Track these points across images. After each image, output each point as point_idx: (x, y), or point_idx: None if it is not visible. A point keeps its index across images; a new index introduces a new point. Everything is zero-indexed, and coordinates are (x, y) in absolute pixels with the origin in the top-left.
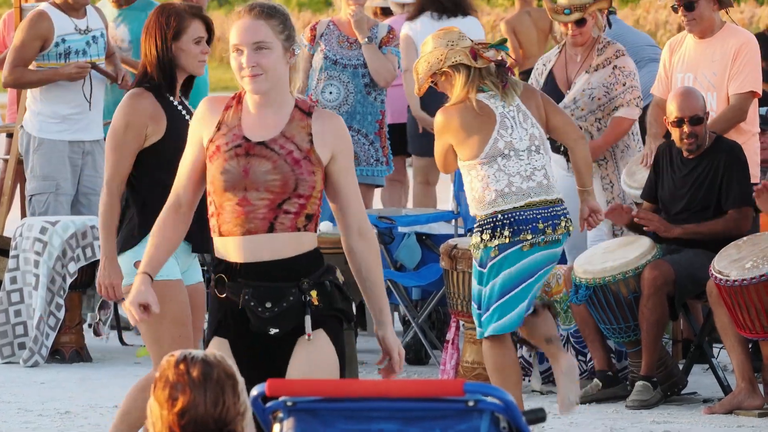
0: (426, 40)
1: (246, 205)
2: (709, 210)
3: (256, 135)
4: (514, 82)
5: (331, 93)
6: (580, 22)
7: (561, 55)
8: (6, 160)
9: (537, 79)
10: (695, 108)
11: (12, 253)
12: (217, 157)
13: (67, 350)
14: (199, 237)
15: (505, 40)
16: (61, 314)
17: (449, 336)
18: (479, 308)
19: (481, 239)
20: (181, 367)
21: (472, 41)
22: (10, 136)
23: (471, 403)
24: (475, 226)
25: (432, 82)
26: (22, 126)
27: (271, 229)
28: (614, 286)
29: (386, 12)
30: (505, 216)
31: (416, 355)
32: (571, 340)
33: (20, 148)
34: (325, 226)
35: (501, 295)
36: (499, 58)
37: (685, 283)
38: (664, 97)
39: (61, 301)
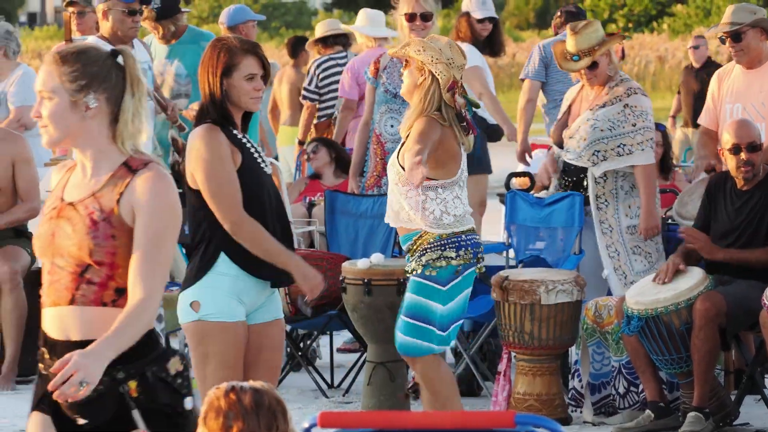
0: (442, 38)
1: (53, 273)
2: (759, 240)
3: (71, 195)
4: (470, 139)
5: (392, 126)
6: (591, 66)
7: (580, 92)
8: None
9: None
10: (752, 135)
11: None
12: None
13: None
14: (275, 271)
15: (477, 105)
16: None
17: (501, 367)
18: (435, 326)
19: (443, 256)
20: (232, 395)
21: (458, 80)
22: None
23: None
24: (430, 243)
25: (405, 60)
26: (73, 158)
27: (72, 300)
28: (666, 317)
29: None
30: (467, 237)
31: (468, 387)
32: (623, 371)
33: None
34: (376, 257)
35: (462, 313)
36: (463, 112)
37: (737, 314)
38: (711, 128)
39: None
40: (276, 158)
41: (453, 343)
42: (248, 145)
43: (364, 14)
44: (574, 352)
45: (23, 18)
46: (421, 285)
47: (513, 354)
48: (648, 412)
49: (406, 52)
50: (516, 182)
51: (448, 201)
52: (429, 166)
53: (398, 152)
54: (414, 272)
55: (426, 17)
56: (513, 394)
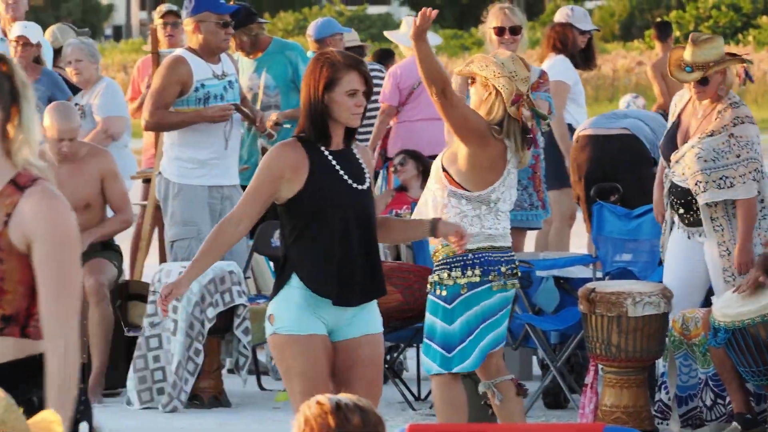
0: (506, 53)
1: None
2: None
3: None
4: (527, 155)
5: None
6: (702, 81)
7: (690, 102)
8: (144, 206)
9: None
10: None
11: (150, 298)
12: None
13: (206, 395)
14: (337, 290)
15: (546, 117)
16: (200, 359)
17: (588, 380)
18: (436, 344)
19: (450, 276)
20: (340, 414)
21: (523, 92)
22: (146, 181)
23: None
24: (440, 261)
25: (471, 78)
26: (159, 172)
27: None
28: (753, 329)
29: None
30: (475, 256)
31: (555, 399)
32: (710, 383)
33: (158, 194)
34: None
35: (466, 335)
36: (530, 124)
37: None
38: None
39: (200, 347)
40: None
41: (540, 354)
42: (334, 162)
43: (407, 22)
44: (660, 364)
45: (108, 31)
46: (432, 303)
47: (600, 366)
48: (735, 424)
49: (471, 69)
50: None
51: (466, 215)
52: (458, 170)
53: (443, 154)
54: (428, 291)
55: (515, 30)
56: (600, 406)
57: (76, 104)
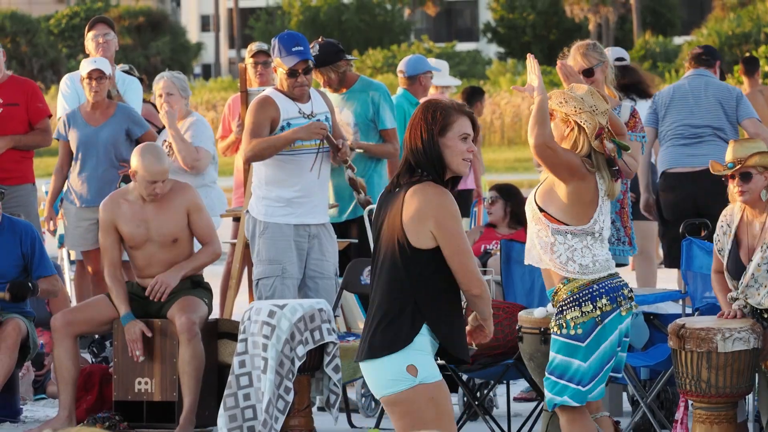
0: (583, 87)
1: None
2: None
3: None
4: (616, 186)
5: None
6: (745, 177)
7: (743, 217)
8: (233, 244)
9: (720, 239)
10: None
11: (240, 336)
12: None
13: None
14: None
15: (627, 148)
16: (290, 397)
17: (678, 415)
18: (567, 380)
19: (582, 312)
20: None
21: (604, 125)
22: (236, 220)
23: None
24: (565, 300)
25: (551, 112)
26: (247, 211)
27: None
28: None
29: None
30: (600, 285)
31: None
32: None
33: (246, 232)
34: (539, 312)
35: (607, 362)
36: (613, 155)
37: None
38: None
39: (290, 384)
40: None
41: (630, 389)
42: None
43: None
44: (751, 401)
45: (197, 70)
46: (563, 344)
47: (690, 402)
48: None
49: (550, 105)
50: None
51: (576, 249)
52: (559, 208)
53: (535, 191)
54: (553, 332)
55: (588, 73)
56: None
57: (164, 141)
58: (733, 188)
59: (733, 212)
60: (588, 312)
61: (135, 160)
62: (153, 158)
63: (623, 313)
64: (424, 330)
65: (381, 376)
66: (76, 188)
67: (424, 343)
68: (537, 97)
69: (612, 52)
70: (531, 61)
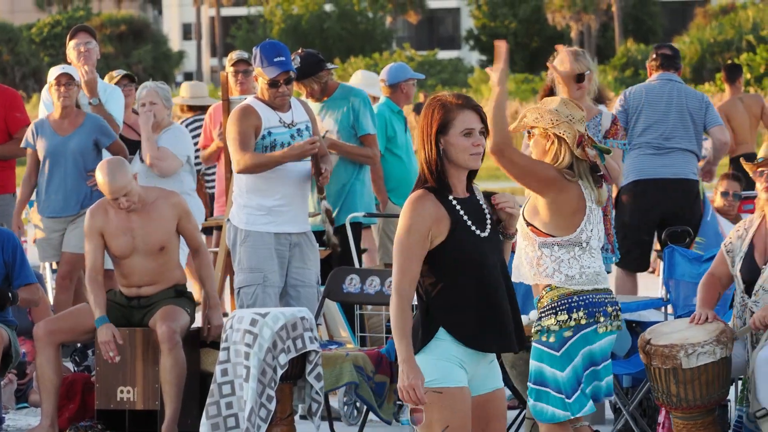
0: (555, 99)
1: None
2: None
3: None
4: (603, 192)
5: None
6: None
7: (762, 223)
8: (215, 253)
9: (733, 243)
10: None
11: (222, 345)
12: None
13: None
14: (498, 343)
15: (609, 152)
16: (272, 406)
17: (660, 419)
18: (552, 389)
19: (557, 321)
20: None
21: (584, 132)
22: (218, 228)
23: None
24: (545, 307)
25: (529, 130)
26: (229, 219)
27: None
28: None
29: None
30: (580, 298)
31: None
32: None
33: (227, 241)
34: (534, 314)
35: (580, 378)
36: (596, 161)
37: None
38: None
39: (272, 393)
40: None
41: (613, 398)
42: (462, 212)
43: (360, 75)
44: (734, 408)
45: (179, 78)
46: (538, 350)
47: None
48: None
49: (526, 122)
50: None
51: (563, 260)
52: (543, 221)
53: (524, 206)
54: (533, 339)
55: (579, 78)
56: None
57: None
58: (759, 186)
59: (753, 219)
60: (562, 321)
61: (97, 176)
62: (110, 174)
63: (600, 331)
64: (445, 335)
65: None
66: (44, 198)
67: (444, 349)
68: (494, 90)
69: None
70: (498, 49)
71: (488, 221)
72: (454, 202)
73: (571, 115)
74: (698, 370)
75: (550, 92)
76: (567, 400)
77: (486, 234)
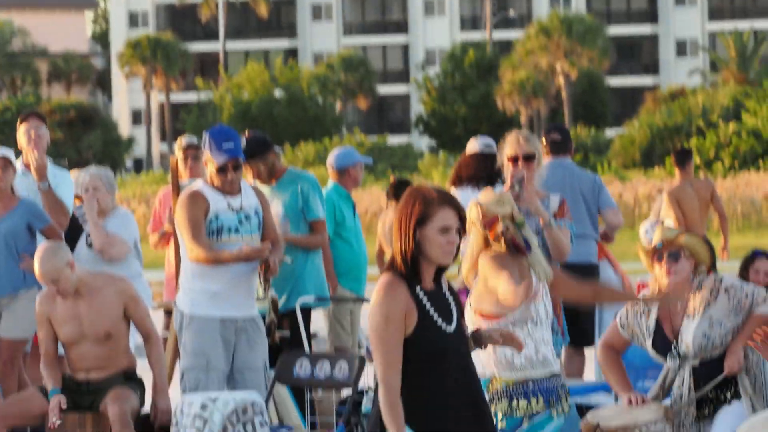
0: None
1: None
2: None
3: None
4: (543, 267)
5: None
6: (673, 256)
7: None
8: (165, 338)
9: (638, 321)
10: None
11: (173, 429)
12: None
13: None
14: None
15: (522, 222)
16: None
17: None
18: None
19: (510, 407)
20: None
21: (499, 213)
22: (169, 313)
23: None
24: (497, 390)
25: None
26: (176, 303)
27: None
28: None
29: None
30: (536, 384)
31: None
32: None
33: (175, 324)
34: None
35: None
36: (510, 236)
37: None
38: None
39: None
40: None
41: None
42: (428, 305)
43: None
44: None
45: (129, 164)
46: None
47: None
48: None
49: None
50: None
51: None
52: (493, 302)
53: (469, 300)
54: None
55: (528, 158)
56: None
57: (89, 234)
58: (659, 270)
59: (650, 316)
60: (518, 408)
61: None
62: (40, 260)
63: (554, 415)
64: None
65: None
66: None
67: None
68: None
69: (479, 140)
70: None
71: (454, 314)
72: (421, 295)
73: (485, 202)
74: None
75: (458, 177)
76: None
77: (452, 328)
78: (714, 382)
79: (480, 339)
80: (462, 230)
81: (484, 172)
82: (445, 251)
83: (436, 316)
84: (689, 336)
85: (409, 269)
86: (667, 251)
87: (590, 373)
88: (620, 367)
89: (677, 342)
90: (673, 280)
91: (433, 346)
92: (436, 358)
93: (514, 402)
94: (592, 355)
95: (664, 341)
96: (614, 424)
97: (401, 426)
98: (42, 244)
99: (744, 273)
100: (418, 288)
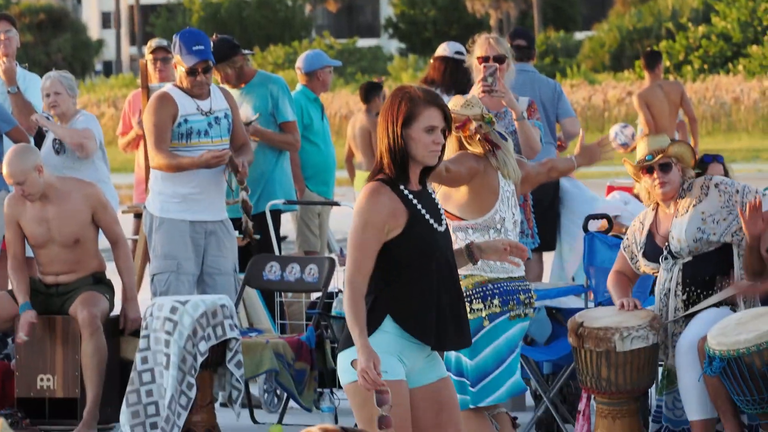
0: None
1: None
2: None
3: None
4: (512, 167)
5: None
6: (665, 167)
7: (657, 214)
8: (135, 241)
9: (635, 237)
10: None
11: (143, 333)
12: None
13: (199, 429)
14: (439, 335)
15: (491, 119)
16: (193, 393)
17: (581, 406)
18: (467, 377)
19: (471, 309)
20: None
21: (470, 115)
22: (138, 216)
23: None
24: None
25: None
26: (145, 206)
27: None
28: (748, 358)
29: None
30: (495, 286)
31: (548, 429)
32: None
33: (144, 228)
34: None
35: (496, 366)
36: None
37: None
38: None
39: (193, 380)
40: (336, 203)
41: (533, 384)
42: (419, 205)
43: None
44: (654, 396)
45: (99, 67)
46: None
47: (593, 396)
48: None
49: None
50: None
51: None
52: (457, 204)
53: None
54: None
55: (499, 59)
56: None
57: (55, 140)
58: (651, 182)
59: (647, 212)
60: (477, 310)
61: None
62: (8, 160)
63: (511, 318)
64: (389, 327)
65: (339, 367)
66: None
67: (384, 341)
68: None
69: (450, 46)
70: None
71: (442, 215)
72: (410, 196)
73: (458, 105)
74: (631, 354)
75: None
76: (470, 388)
77: (442, 228)
78: (710, 301)
79: (473, 254)
80: (447, 130)
81: (454, 78)
82: (430, 151)
83: (427, 215)
84: (681, 232)
85: (398, 169)
86: (657, 163)
87: (547, 278)
88: (625, 284)
89: (668, 244)
90: (667, 189)
91: (424, 242)
92: (426, 255)
93: (473, 303)
94: (551, 259)
95: (654, 248)
96: (597, 324)
97: (363, 327)
98: (12, 147)
99: None
100: (405, 189)
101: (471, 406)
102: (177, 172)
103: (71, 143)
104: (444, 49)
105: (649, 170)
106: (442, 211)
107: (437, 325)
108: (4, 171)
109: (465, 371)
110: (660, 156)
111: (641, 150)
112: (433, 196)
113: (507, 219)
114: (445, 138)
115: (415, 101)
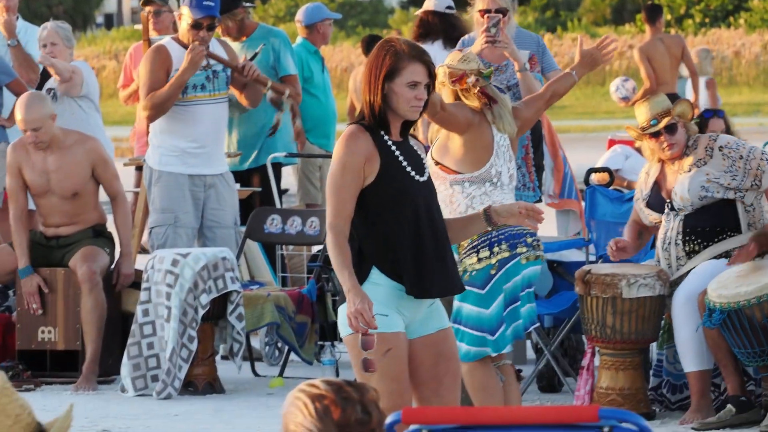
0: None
1: None
2: None
3: None
4: (508, 121)
5: None
6: (671, 129)
7: (662, 167)
8: (136, 193)
9: (641, 188)
10: None
11: (144, 285)
12: None
13: (200, 382)
14: (423, 284)
15: (489, 73)
16: (194, 346)
17: (585, 362)
18: (472, 328)
19: (478, 259)
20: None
21: (466, 70)
22: (139, 169)
23: (606, 429)
24: (465, 247)
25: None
26: (145, 159)
27: None
28: (749, 311)
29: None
30: (500, 232)
31: (549, 383)
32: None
33: (144, 181)
34: None
35: (503, 316)
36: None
37: None
38: None
39: (194, 333)
40: None
41: (534, 337)
42: (397, 152)
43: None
44: (655, 350)
45: (100, 19)
46: (470, 294)
47: (597, 348)
48: (729, 406)
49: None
50: (595, 178)
51: (474, 197)
52: (453, 158)
53: (431, 148)
54: None
55: (500, 12)
56: (596, 388)
57: (50, 89)
58: (659, 145)
59: (651, 168)
60: (484, 258)
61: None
62: (23, 106)
63: (523, 262)
64: (381, 279)
65: (339, 320)
66: None
67: (379, 295)
68: None
69: (440, 1)
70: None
71: (425, 167)
72: (389, 143)
73: (456, 61)
74: (637, 302)
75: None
76: (490, 337)
77: (423, 178)
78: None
79: (490, 217)
80: (431, 86)
81: (444, 28)
82: (412, 106)
83: (405, 163)
84: (684, 191)
85: (377, 120)
86: (663, 126)
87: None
88: (634, 230)
89: (671, 200)
90: (675, 150)
91: (397, 189)
92: (400, 203)
93: (480, 253)
94: (553, 213)
95: (659, 199)
96: (603, 271)
97: (351, 269)
98: (26, 93)
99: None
100: (385, 136)
101: (481, 357)
102: (164, 104)
103: (61, 81)
104: (432, 2)
105: (654, 134)
106: (425, 163)
107: (417, 272)
108: (19, 117)
109: (476, 321)
110: (666, 119)
111: (643, 115)
112: (415, 148)
113: (503, 173)
114: (429, 94)
115: (399, 55)
